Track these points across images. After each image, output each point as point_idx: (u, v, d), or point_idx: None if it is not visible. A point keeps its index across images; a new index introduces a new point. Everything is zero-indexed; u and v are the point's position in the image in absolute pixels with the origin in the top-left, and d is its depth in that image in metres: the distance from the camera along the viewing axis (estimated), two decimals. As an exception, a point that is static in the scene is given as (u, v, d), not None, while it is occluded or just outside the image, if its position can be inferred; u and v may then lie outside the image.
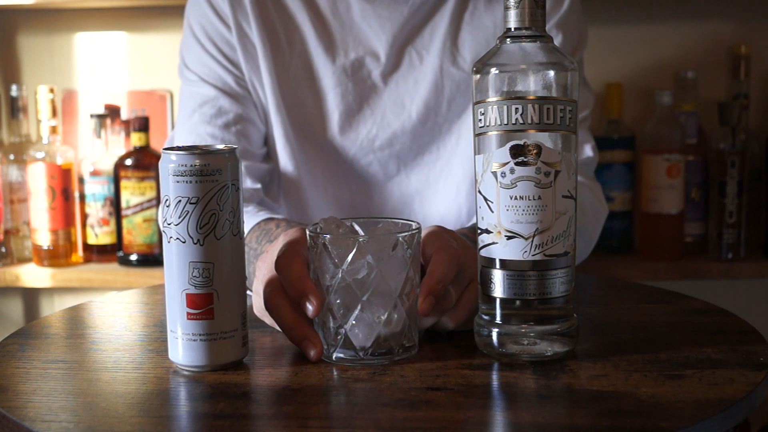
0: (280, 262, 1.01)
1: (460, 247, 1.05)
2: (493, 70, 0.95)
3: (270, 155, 1.55)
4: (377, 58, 1.51)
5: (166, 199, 0.95)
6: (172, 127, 2.27)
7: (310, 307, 0.97)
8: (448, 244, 1.04)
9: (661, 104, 2.04)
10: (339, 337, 0.98)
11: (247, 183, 1.47)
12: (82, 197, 2.16)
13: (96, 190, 2.15)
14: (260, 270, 1.08)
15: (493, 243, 0.97)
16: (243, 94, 1.51)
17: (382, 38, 1.51)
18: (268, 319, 1.06)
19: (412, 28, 1.52)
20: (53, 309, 2.33)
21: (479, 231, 0.98)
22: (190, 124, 1.50)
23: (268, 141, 1.55)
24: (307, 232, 1.00)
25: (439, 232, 1.07)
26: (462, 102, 1.51)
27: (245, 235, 1.30)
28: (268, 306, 1.02)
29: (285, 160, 1.53)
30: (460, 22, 1.52)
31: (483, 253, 0.98)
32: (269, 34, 1.51)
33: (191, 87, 1.53)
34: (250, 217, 1.34)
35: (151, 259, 2.11)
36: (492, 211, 0.96)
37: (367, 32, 1.51)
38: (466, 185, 1.51)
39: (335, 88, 1.51)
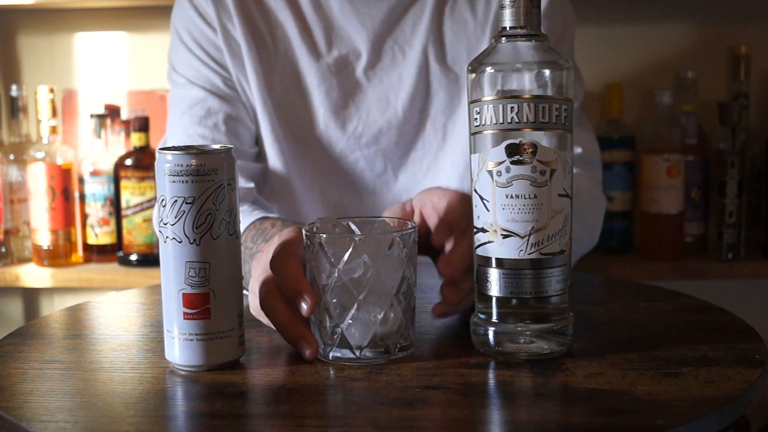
0: (276, 262, 1.01)
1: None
2: (489, 69, 0.96)
3: (261, 155, 1.56)
4: (359, 55, 1.52)
5: (162, 199, 0.95)
6: (172, 127, 2.27)
7: (304, 306, 0.97)
8: (466, 197, 1.06)
9: (661, 104, 2.04)
10: (336, 336, 0.98)
11: (240, 182, 1.47)
12: (82, 197, 2.16)
13: (96, 190, 2.15)
14: (255, 269, 1.08)
15: (489, 242, 0.97)
16: (231, 94, 1.52)
17: (363, 35, 1.51)
18: (264, 319, 1.06)
19: (392, 24, 1.52)
20: (53, 309, 2.34)
21: (475, 230, 0.98)
22: (180, 126, 1.50)
23: (259, 142, 1.55)
24: (303, 232, 1.00)
25: (448, 190, 1.10)
26: (445, 98, 1.52)
27: (241, 235, 1.30)
28: (264, 306, 1.02)
29: (274, 158, 1.53)
30: (441, 17, 1.52)
31: (479, 251, 0.98)
32: (254, 34, 1.51)
33: (180, 90, 1.53)
34: (245, 217, 1.34)
35: (151, 259, 2.11)
36: (488, 210, 0.96)
37: (348, 29, 1.52)
38: (455, 184, 1.51)
39: (320, 85, 1.52)
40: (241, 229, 1.31)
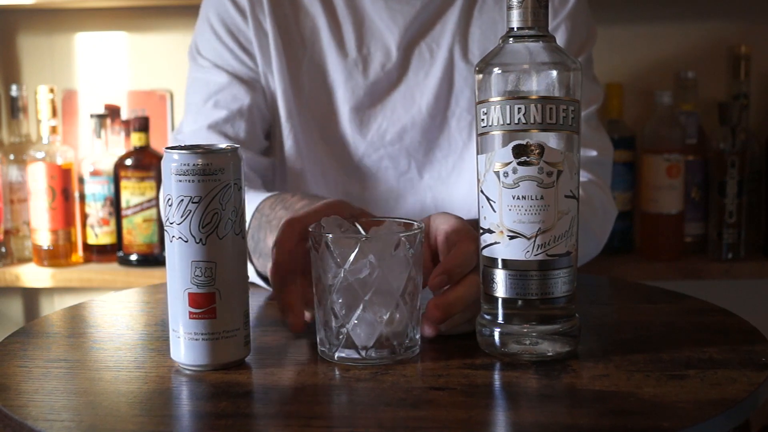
0: (275, 279, 1.06)
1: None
2: (496, 70, 0.96)
3: (272, 150, 1.56)
4: (389, 51, 1.52)
5: (168, 198, 0.95)
6: (173, 127, 2.27)
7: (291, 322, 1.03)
8: (475, 236, 1.04)
9: (661, 104, 2.04)
10: (341, 336, 0.98)
11: (249, 175, 1.48)
12: (82, 197, 2.16)
13: (96, 190, 2.15)
14: (274, 231, 1.12)
15: (496, 243, 0.97)
16: (255, 84, 1.52)
17: (395, 32, 1.51)
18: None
19: (423, 22, 1.52)
20: (53, 309, 2.33)
21: (481, 231, 0.98)
22: (204, 111, 1.50)
23: (273, 137, 1.55)
24: (310, 232, 1.00)
25: (465, 224, 1.07)
26: (471, 97, 1.52)
27: (260, 203, 1.30)
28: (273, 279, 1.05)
29: (295, 156, 1.53)
30: (470, 17, 1.52)
31: (485, 252, 0.98)
32: (284, 29, 1.52)
33: (203, 74, 1.53)
34: (260, 194, 1.33)
35: (151, 259, 2.11)
36: (494, 211, 0.96)
37: (379, 25, 1.52)
38: None
39: (346, 83, 1.51)
40: (259, 201, 1.30)
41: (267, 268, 1.11)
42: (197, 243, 0.95)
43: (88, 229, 2.16)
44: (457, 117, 1.53)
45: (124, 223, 2.11)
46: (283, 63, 1.51)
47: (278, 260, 1.04)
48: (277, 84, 1.51)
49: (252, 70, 1.52)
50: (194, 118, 1.51)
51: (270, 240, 1.17)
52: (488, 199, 0.96)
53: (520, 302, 0.97)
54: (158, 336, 1.10)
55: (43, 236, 2.14)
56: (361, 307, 0.97)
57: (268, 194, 1.32)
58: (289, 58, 1.51)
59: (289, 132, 1.52)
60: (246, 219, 0.99)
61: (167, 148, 0.96)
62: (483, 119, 0.96)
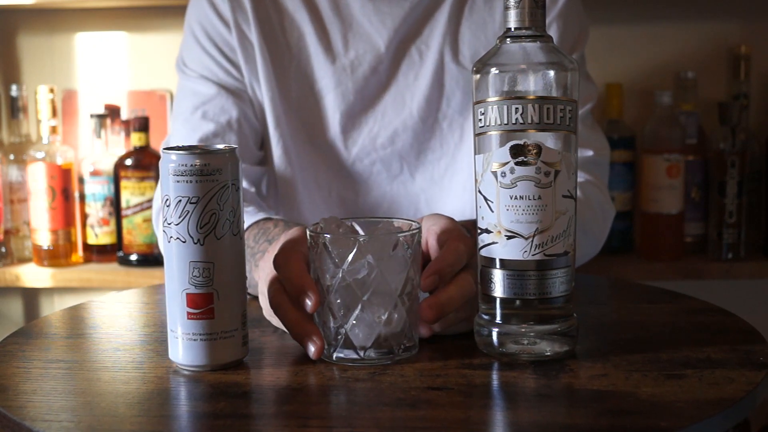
0: (278, 261, 1.01)
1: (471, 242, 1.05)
2: (493, 70, 0.96)
3: (266, 160, 1.55)
4: (378, 54, 1.51)
5: (166, 199, 0.95)
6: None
7: (308, 302, 0.96)
8: (464, 236, 1.04)
9: (661, 104, 2.04)
10: (339, 336, 0.98)
11: (244, 184, 1.47)
12: (82, 197, 2.16)
13: (96, 190, 2.15)
14: (263, 270, 1.08)
15: (493, 243, 0.97)
16: (242, 95, 1.51)
17: (383, 33, 1.50)
18: (276, 321, 1.05)
19: (412, 24, 1.51)
20: (53, 309, 2.33)
21: (479, 231, 0.98)
22: (192, 121, 1.49)
23: (264, 145, 1.55)
24: (308, 232, 1.00)
25: (455, 224, 1.07)
26: (462, 98, 1.51)
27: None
28: (272, 305, 1.01)
29: (285, 163, 1.52)
30: (459, 18, 1.51)
31: (483, 252, 0.98)
32: (269, 36, 1.50)
33: (191, 84, 1.52)
34: (249, 217, 1.33)
35: (151, 259, 2.11)
36: (492, 211, 0.96)
37: (367, 28, 1.51)
38: (472, 184, 1.51)
39: (336, 88, 1.50)
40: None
41: (258, 298, 1.11)
42: (195, 243, 0.95)
43: (88, 229, 2.16)
44: (449, 119, 1.52)
45: (124, 223, 2.11)
46: (269, 71, 1.50)
47: (280, 317, 1.03)
48: (264, 92, 1.50)
49: (238, 81, 1.51)
50: (183, 127, 1.50)
51: (256, 274, 1.16)
52: (486, 199, 0.97)
53: (518, 302, 0.97)
54: (157, 337, 1.10)
55: (43, 236, 2.15)
56: (359, 307, 0.97)
57: (252, 220, 1.32)
58: (275, 66, 1.50)
59: (278, 140, 1.51)
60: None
61: (164, 148, 0.96)
62: (480, 119, 0.96)
